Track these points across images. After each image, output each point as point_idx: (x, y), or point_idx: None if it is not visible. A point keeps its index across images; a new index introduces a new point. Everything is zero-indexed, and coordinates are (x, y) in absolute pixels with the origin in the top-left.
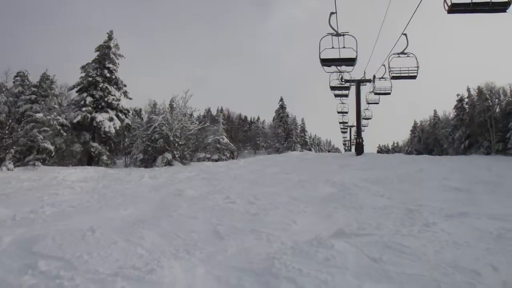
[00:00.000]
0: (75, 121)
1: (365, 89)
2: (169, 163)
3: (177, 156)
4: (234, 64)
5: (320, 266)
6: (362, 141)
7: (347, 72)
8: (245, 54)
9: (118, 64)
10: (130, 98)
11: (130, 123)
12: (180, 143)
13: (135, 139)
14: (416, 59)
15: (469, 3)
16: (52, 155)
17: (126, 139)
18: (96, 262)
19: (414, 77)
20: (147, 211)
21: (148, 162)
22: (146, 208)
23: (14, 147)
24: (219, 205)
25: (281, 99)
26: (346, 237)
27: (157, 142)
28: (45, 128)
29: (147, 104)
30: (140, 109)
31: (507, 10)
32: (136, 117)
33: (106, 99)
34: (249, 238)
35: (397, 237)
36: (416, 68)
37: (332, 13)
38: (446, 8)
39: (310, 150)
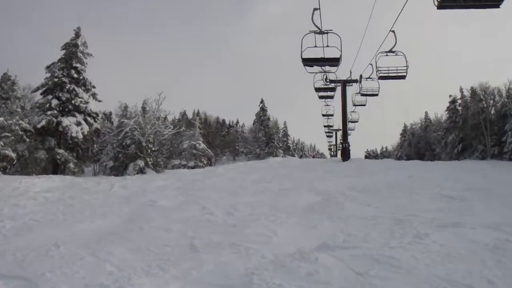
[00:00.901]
0: (39, 126)
1: (352, 90)
2: (141, 171)
3: (150, 163)
4: (212, 64)
5: (303, 282)
6: (349, 145)
7: (332, 72)
8: (223, 54)
9: (86, 63)
10: (100, 101)
11: (99, 127)
12: (153, 149)
13: (104, 145)
14: (405, 58)
15: None
16: (14, 163)
17: (95, 145)
18: (60, 280)
19: (403, 77)
20: (117, 224)
21: (119, 170)
22: (116, 221)
23: None
24: (195, 216)
25: (262, 101)
26: (330, 250)
27: (128, 148)
28: (6, 134)
29: (118, 107)
30: (110, 113)
31: (500, 6)
32: (106, 121)
33: (73, 101)
34: (227, 252)
35: (385, 249)
36: (405, 68)
37: (315, 9)
38: (436, 3)
39: (293, 155)
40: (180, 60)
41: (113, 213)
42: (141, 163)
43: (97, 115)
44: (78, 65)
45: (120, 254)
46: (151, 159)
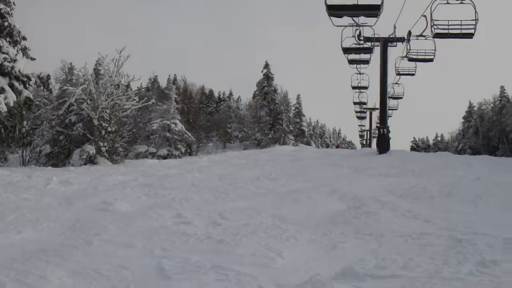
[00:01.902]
0: None
1: (395, 52)
2: (91, 161)
3: (104, 149)
4: (196, 11)
5: None
6: (388, 132)
7: (368, 26)
8: None
9: (14, 4)
10: (33, 59)
11: (31, 97)
12: (110, 129)
13: (39, 122)
14: (474, 8)
15: None
16: None
17: (25, 123)
18: None
19: (470, 36)
20: (54, 236)
21: (59, 158)
22: (53, 231)
23: None
24: (166, 226)
25: (266, 65)
26: (357, 279)
27: (73, 128)
28: None
29: (59, 69)
30: (48, 76)
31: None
32: (42, 88)
33: None
34: (210, 278)
35: (435, 281)
36: (473, 22)
37: None
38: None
39: (308, 144)
40: (150, 3)
41: (48, 220)
42: (91, 149)
43: (29, 79)
44: (1, 5)
45: (58, 279)
46: (105, 144)
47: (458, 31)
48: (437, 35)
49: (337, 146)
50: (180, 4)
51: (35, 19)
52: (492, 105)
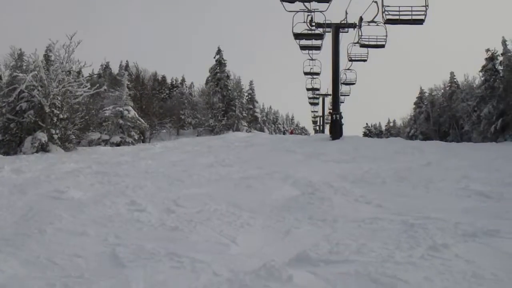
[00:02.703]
0: None
1: (347, 38)
2: (43, 148)
3: (56, 137)
4: None
5: None
6: (341, 118)
7: (320, 11)
8: None
9: None
10: None
11: None
12: (61, 117)
13: None
14: None
15: None
16: None
17: None
18: None
19: (420, 22)
20: (7, 225)
21: (10, 146)
22: (5, 220)
23: None
24: (120, 214)
25: (219, 51)
26: (311, 265)
27: (24, 115)
28: None
29: (9, 55)
30: None
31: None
32: None
33: None
34: (165, 266)
35: (388, 265)
36: (424, 8)
37: None
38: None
39: (262, 130)
40: None
41: (0, 209)
42: (43, 136)
43: None
44: None
45: (9, 268)
46: (57, 132)
47: (409, 17)
48: (388, 21)
49: (291, 132)
50: None
51: None
52: (442, 91)
